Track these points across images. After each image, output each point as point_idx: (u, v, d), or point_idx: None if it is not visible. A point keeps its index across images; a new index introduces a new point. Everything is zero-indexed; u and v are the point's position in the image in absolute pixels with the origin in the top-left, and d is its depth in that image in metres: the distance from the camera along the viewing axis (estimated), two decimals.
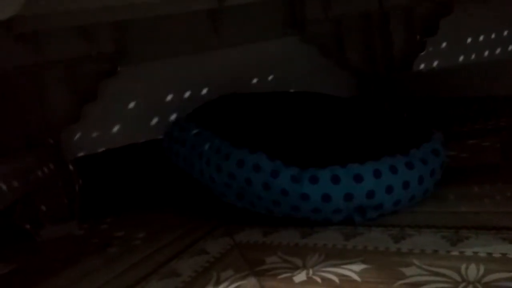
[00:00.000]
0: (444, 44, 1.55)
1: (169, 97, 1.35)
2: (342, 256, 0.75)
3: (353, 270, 0.69)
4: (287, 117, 1.04)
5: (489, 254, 0.67)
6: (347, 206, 0.85)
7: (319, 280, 0.68)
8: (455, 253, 0.69)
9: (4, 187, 0.92)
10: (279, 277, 0.72)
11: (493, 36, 1.64)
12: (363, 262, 0.71)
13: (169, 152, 1.09)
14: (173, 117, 1.36)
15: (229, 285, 0.72)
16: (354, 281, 0.66)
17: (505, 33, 1.65)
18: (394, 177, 0.85)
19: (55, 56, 1.14)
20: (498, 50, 1.65)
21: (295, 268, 0.73)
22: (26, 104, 1.14)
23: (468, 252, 0.69)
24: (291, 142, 0.95)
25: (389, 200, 0.85)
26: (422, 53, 1.46)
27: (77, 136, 1.26)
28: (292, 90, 1.43)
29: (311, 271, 0.71)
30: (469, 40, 1.61)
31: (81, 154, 1.27)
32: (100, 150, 1.29)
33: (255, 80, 1.42)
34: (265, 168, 0.87)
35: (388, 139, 0.97)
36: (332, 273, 0.70)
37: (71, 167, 1.21)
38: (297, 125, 1.00)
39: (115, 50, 1.18)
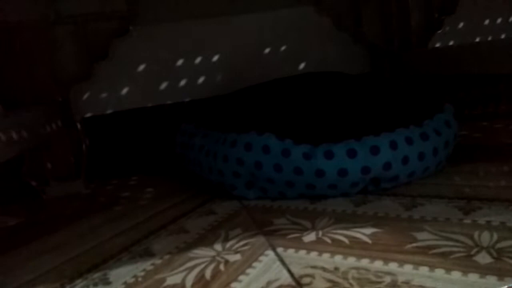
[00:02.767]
0: (461, 24, 1.52)
1: (179, 62, 1.34)
2: (352, 220, 0.74)
3: (363, 233, 0.68)
4: (294, 98, 1.01)
5: (503, 223, 0.66)
6: (364, 179, 0.84)
7: (328, 240, 0.68)
8: (467, 221, 0.68)
9: (10, 137, 0.90)
10: (288, 237, 0.71)
11: (511, 19, 1.60)
12: (374, 226, 0.71)
13: (182, 159, 1.07)
14: (182, 82, 1.35)
15: (238, 242, 0.71)
16: (365, 242, 0.66)
17: None
18: (410, 148, 0.83)
19: (67, 11, 1.12)
20: None
21: (304, 230, 0.73)
22: (35, 59, 1.12)
23: (481, 220, 0.68)
24: (300, 120, 0.93)
25: (405, 171, 0.84)
26: (439, 31, 1.44)
27: (86, 95, 1.25)
28: (298, 73, 1.40)
29: (320, 233, 0.71)
30: (487, 21, 1.57)
31: (89, 114, 1.26)
32: (109, 111, 1.28)
33: (267, 50, 1.39)
34: (274, 149, 0.84)
35: (400, 111, 0.95)
36: (342, 235, 0.69)
37: (79, 126, 1.20)
38: (305, 105, 0.98)
39: (127, 9, 1.16)
